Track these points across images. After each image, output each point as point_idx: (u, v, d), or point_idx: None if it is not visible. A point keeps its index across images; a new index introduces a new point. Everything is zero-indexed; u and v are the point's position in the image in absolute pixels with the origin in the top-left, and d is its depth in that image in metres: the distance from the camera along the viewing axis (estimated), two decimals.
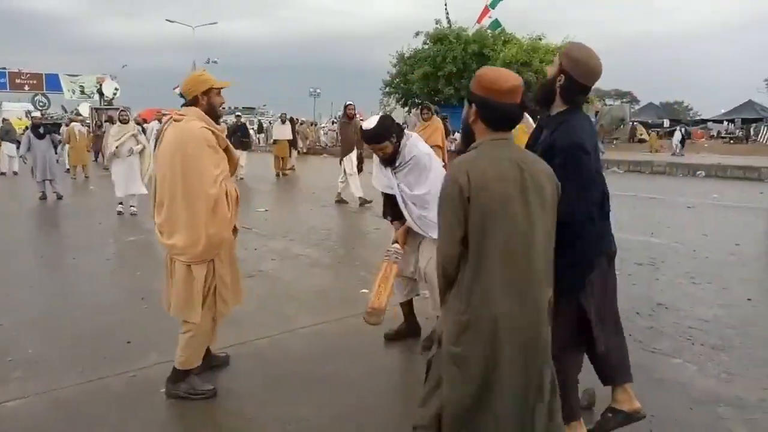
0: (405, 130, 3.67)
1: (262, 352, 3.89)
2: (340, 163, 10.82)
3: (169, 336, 4.07)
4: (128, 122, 9.72)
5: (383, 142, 3.50)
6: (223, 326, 4.28)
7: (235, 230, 3.28)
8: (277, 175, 15.90)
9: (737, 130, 32.02)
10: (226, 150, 3.20)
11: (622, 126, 31.70)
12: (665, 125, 36.75)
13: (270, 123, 31.18)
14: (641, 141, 29.53)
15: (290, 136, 16.30)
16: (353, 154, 10.61)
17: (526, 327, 1.98)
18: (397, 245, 3.64)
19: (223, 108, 3.29)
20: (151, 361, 3.68)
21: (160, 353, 3.78)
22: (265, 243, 7.36)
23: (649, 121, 38.02)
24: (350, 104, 10.88)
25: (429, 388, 2.15)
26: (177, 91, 41.50)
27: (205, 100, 3.11)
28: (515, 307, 1.96)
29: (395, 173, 3.60)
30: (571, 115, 2.50)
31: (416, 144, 3.62)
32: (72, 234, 8.62)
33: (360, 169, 10.69)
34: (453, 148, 23.24)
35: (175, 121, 3.10)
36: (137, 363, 3.64)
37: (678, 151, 23.78)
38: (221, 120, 3.46)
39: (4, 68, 44.94)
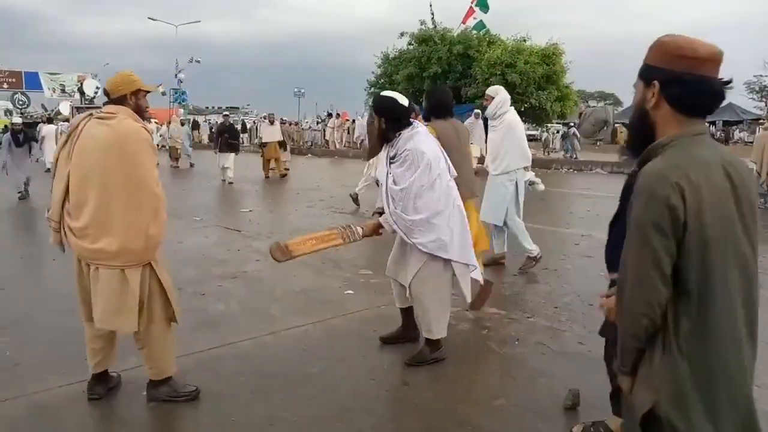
0: (414, 124, 3.53)
1: (246, 353, 3.85)
2: (367, 165, 9.98)
3: None
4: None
5: (376, 114, 3.49)
6: (206, 328, 4.26)
7: None
8: (267, 177, 15.43)
9: (718, 132, 32.51)
10: None
11: (605, 128, 32.01)
12: None
13: (255, 123, 30.95)
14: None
15: (279, 138, 15.77)
16: (382, 154, 10.14)
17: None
18: (360, 230, 3.58)
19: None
20: (132, 364, 3.60)
21: (140, 356, 3.72)
22: (249, 244, 7.31)
23: None
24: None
25: None
26: (160, 89, 41.27)
27: (133, 100, 3.02)
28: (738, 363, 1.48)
29: (390, 164, 3.54)
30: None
31: (416, 139, 3.45)
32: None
33: None
34: None
35: (101, 119, 2.93)
36: (118, 365, 3.57)
37: None
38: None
39: None
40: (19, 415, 3.02)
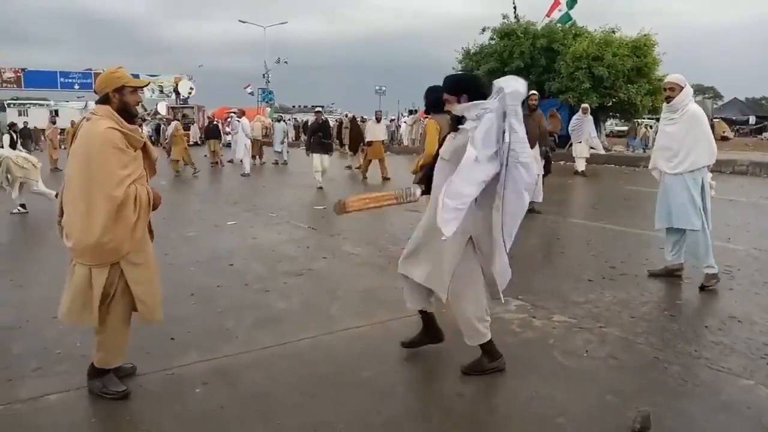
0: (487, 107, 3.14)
1: (301, 353, 3.82)
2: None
3: (213, 334, 4.11)
4: None
5: (452, 95, 3.30)
6: (266, 325, 4.28)
7: (151, 233, 3.26)
8: (365, 178, 14.47)
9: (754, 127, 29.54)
10: (144, 149, 3.13)
11: None
12: (751, 122, 34.48)
13: (337, 121, 31.37)
14: (724, 139, 27.77)
15: (385, 136, 14.72)
16: (535, 152, 8.38)
17: None
18: (417, 190, 3.50)
19: (142, 107, 3.23)
20: (191, 359, 3.68)
21: (201, 351, 3.79)
22: (319, 241, 7.35)
23: (733, 118, 35.79)
24: (533, 93, 8.97)
25: None
26: (248, 90, 42.87)
27: (116, 97, 3.00)
28: None
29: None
30: None
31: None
32: None
33: (548, 171, 9.06)
34: None
35: (86, 120, 3.00)
36: (177, 360, 3.65)
37: None
38: (138, 118, 3.33)
39: (90, 69, 47.57)
40: (78, 405, 3.14)
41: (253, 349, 3.85)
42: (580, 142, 15.35)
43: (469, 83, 3.41)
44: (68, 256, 3.12)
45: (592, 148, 15.68)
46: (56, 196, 3.27)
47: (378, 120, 15.26)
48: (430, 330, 3.74)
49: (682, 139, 5.09)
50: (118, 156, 2.90)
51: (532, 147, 8.26)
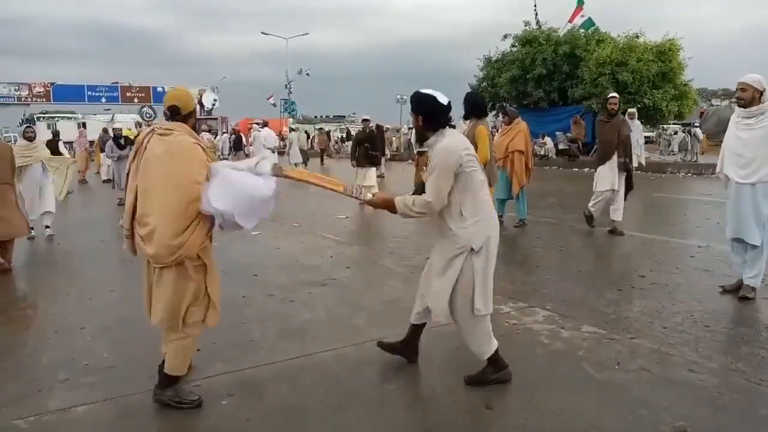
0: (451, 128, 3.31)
1: (326, 365, 3.79)
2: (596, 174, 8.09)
3: (238, 345, 4.11)
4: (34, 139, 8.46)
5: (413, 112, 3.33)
6: (290, 336, 4.27)
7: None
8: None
9: None
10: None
11: None
12: None
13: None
14: None
15: None
16: (613, 162, 7.73)
17: None
18: (368, 195, 3.43)
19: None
20: (217, 371, 3.67)
21: (227, 363, 3.79)
22: (342, 251, 7.33)
23: None
24: (613, 96, 8.40)
25: None
26: (271, 100, 43.32)
27: (191, 119, 3.25)
28: None
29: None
30: None
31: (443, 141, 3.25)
32: None
33: (630, 186, 7.89)
34: (543, 152, 22.54)
35: (160, 135, 3.10)
36: (203, 372, 3.65)
37: None
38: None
39: (117, 83, 48.55)
40: (104, 418, 3.14)
41: (278, 360, 3.84)
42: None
43: (423, 104, 3.33)
44: (144, 263, 3.21)
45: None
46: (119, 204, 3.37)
47: None
48: (410, 346, 3.73)
49: (757, 148, 4.76)
50: (203, 166, 3.06)
51: (608, 157, 7.77)
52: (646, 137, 33.06)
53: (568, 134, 22.79)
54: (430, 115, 3.28)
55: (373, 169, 12.16)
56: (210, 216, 3.05)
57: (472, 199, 3.21)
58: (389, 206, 3.34)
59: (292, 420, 3.09)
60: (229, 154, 23.43)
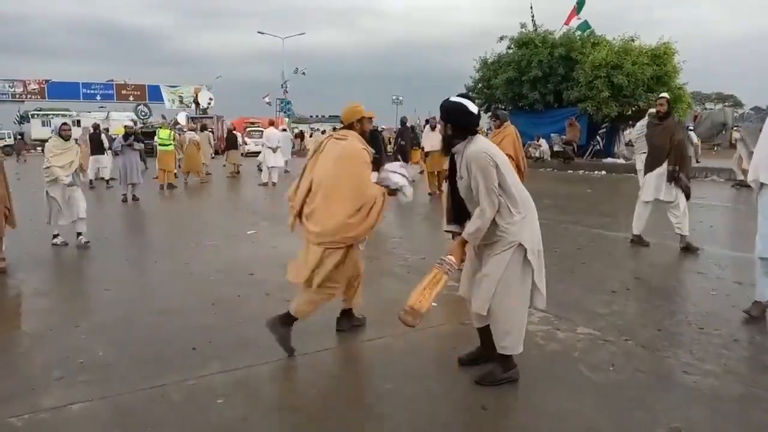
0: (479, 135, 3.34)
1: (322, 364, 3.80)
2: (641, 181, 7.65)
3: (234, 344, 4.10)
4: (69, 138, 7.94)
5: (442, 120, 3.41)
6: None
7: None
8: (433, 192, 12.68)
9: None
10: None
11: (724, 132, 29.60)
12: None
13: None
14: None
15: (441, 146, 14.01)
16: (662, 169, 7.06)
17: None
18: (452, 257, 3.33)
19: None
20: (213, 370, 3.67)
21: (223, 362, 3.78)
22: None
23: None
24: (662, 97, 7.44)
25: None
26: (266, 99, 43.16)
27: (358, 126, 3.93)
28: None
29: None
30: None
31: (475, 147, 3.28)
32: (157, 238, 9.00)
33: (688, 196, 7.09)
34: (538, 154, 22.59)
35: (337, 139, 3.87)
36: (199, 371, 3.64)
37: None
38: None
39: (112, 80, 48.46)
40: (100, 416, 3.12)
41: (274, 359, 3.83)
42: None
43: (454, 113, 3.36)
44: (307, 239, 3.78)
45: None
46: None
47: (433, 128, 12.96)
48: (488, 347, 3.56)
49: None
50: (368, 167, 3.82)
51: (658, 164, 7.15)
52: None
53: (563, 136, 22.86)
54: (460, 124, 3.32)
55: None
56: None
57: (517, 195, 3.24)
58: (464, 247, 3.37)
59: (288, 419, 3.09)
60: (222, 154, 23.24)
